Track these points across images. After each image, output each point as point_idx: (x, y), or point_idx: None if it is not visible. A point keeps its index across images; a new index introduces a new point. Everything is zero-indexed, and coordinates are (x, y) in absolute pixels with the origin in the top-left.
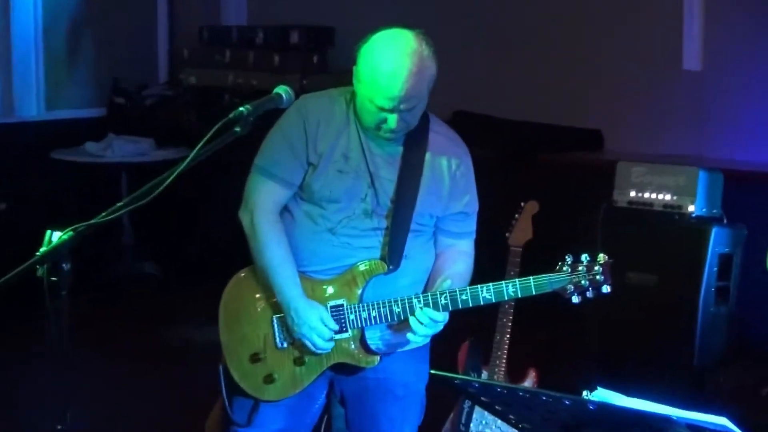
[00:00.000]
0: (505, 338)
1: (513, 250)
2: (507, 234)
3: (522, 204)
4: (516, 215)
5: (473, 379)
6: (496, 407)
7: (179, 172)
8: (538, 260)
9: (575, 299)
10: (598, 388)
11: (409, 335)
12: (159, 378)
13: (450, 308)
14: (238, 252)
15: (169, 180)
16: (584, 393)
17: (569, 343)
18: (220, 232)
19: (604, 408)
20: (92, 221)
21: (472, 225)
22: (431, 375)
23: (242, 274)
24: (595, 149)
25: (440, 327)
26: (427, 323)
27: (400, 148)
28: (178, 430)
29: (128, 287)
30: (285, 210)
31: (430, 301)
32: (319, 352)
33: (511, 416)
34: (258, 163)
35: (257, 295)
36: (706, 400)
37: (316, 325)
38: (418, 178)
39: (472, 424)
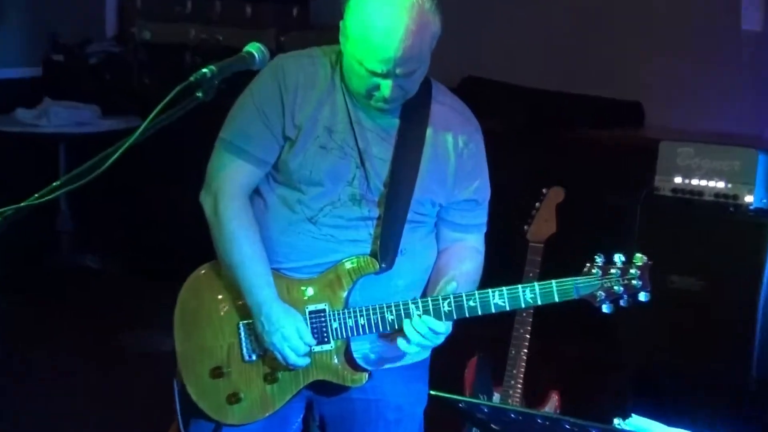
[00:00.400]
0: (522, 353)
1: (532, 246)
2: (525, 227)
3: (544, 191)
4: (537, 204)
5: (483, 402)
6: None
7: (129, 146)
8: (562, 260)
9: (606, 308)
10: (633, 415)
11: (402, 344)
12: (97, 397)
13: (455, 317)
14: (198, 244)
15: (116, 155)
16: (616, 422)
17: (599, 360)
18: (177, 220)
19: None
20: (23, 204)
21: (482, 216)
22: (431, 396)
23: (202, 272)
24: (633, 125)
25: (441, 339)
26: (425, 333)
27: (396, 121)
28: None
29: (64, 283)
30: (256, 194)
31: (431, 307)
32: (291, 368)
33: None
34: (224, 136)
35: (220, 296)
36: (765, 427)
37: (290, 335)
38: (418, 158)
39: None
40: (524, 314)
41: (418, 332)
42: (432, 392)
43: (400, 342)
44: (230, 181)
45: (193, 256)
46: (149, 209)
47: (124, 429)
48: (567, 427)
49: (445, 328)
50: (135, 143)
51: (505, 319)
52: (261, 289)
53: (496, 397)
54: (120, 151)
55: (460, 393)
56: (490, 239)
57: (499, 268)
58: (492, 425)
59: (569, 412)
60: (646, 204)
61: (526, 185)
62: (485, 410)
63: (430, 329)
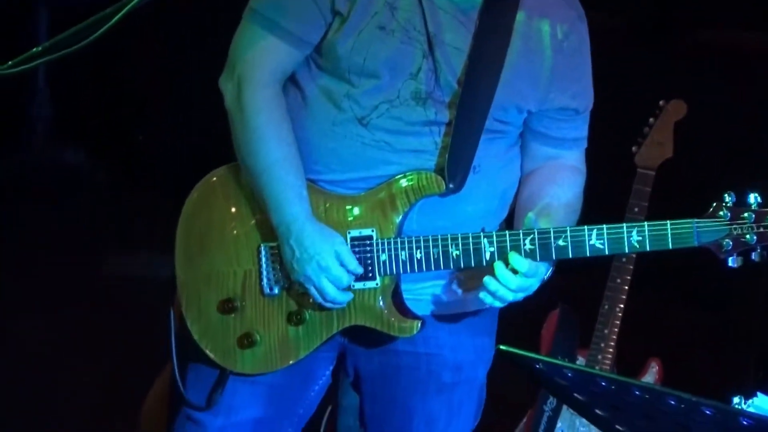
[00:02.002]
0: (617, 310)
1: (642, 173)
2: (634, 149)
3: (661, 104)
4: (650, 120)
5: (566, 365)
6: (597, 411)
7: (130, 9)
8: (678, 194)
9: (733, 261)
10: (759, 394)
11: (482, 294)
12: (81, 332)
13: (538, 258)
14: (215, 144)
15: (114, 20)
16: (736, 400)
17: (718, 327)
18: (189, 113)
19: (766, 425)
20: None
21: (582, 128)
22: (499, 353)
23: (214, 178)
24: None
25: (534, 287)
26: (516, 278)
27: (479, 1)
28: (111, 406)
29: (38, 183)
30: (291, 83)
31: (508, 244)
32: (329, 306)
33: (618, 426)
34: (254, 5)
35: (237, 210)
36: None
37: (330, 265)
38: (504, 50)
39: None
40: (624, 260)
41: (505, 287)
42: (502, 347)
43: (483, 295)
44: (259, 63)
45: (204, 161)
46: (152, 96)
47: (112, 372)
48: (672, 403)
49: (543, 271)
50: (139, 7)
51: (600, 263)
52: (292, 205)
53: (580, 361)
54: (119, 15)
55: (536, 353)
56: (586, 161)
57: (597, 199)
58: (575, 394)
59: (672, 386)
60: None
61: (640, 96)
62: (569, 375)
63: (521, 272)
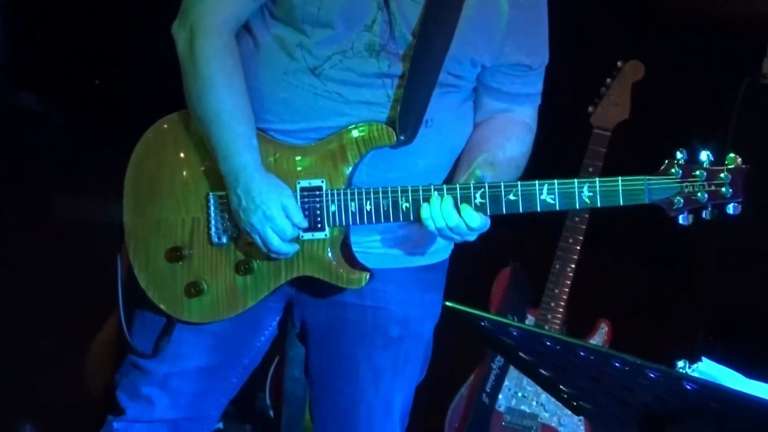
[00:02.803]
0: (569, 270)
1: (596, 133)
2: (590, 109)
3: (619, 64)
4: (608, 80)
5: (515, 324)
6: (542, 371)
7: None
8: (632, 154)
9: (683, 219)
10: (704, 359)
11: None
12: (36, 275)
13: (488, 212)
14: (170, 91)
15: None
16: (680, 364)
17: (669, 290)
18: (146, 58)
19: (708, 390)
20: None
21: (536, 83)
22: (445, 309)
23: (165, 125)
24: None
25: (474, 237)
26: (455, 225)
27: None
28: (59, 350)
29: None
30: (245, 31)
31: (459, 196)
32: (273, 257)
33: (563, 387)
34: None
35: (186, 157)
36: None
37: (275, 215)
38: (460, 2)
39: (501, 395)
40: (577, 219)
41: (444, 220)
42: (448, 303)
43: (427, 223)
44: (212, 10)
45: (159, 108)
46: (110, 41)
47: (60, 317)
48: (617, 365)
49: (480, 222)
50: None
51: (552, 222)
52: (240, 154)
53: (530, 320)
54: None
55: (485, 311)
56: (542, 121)
57: (551, 158)
58: (521, 353)
59: (620, 347)
60: (748, 94)
61: (595, 56)
62: (515, 333)
63: (464, 220)
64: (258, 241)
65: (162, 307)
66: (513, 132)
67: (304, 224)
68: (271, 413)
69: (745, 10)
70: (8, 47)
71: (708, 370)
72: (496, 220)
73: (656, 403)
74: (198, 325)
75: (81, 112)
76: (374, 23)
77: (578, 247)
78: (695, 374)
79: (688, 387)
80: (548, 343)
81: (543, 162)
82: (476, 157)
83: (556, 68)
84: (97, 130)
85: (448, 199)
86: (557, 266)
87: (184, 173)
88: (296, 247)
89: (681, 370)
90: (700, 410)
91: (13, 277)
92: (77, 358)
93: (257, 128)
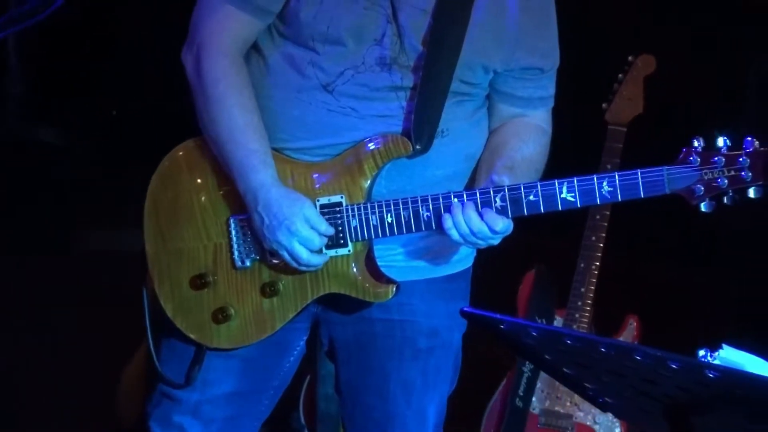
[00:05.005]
0: (593, 268)
1: (612, 129)
2: (604, 105)
3: (630, 59)
4: (620, 76)
5: (531, 324)
6: (565, 369)
7: None
8: (649, 148)
9: (706, 206)
10: (724, 346)
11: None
12: (63, 308)
13: (509, 214)
14: (187, 119)
15: None
16: (701, 353)
17: (693, 278)
18: (161, 85)
19: (731, 377)
20: None
21: (549, 86)
22: (462, 315)
23: (180, 152)
24: None
25: (497, 240)
26: (478, 230)
27: None
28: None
29: (10, 161)
30: (254, 51)
31: (478, 201)
32: (303, 269)
33: (588, 385)
34: None
35: (204, 183)
36: None
37: (299, 228)
38: (468, 9)
39: (534, 398)
40: (598, 217)
41: (467, 226)
42: (465, 309)
43: (452, 234)
44: (218, 33)
45: (176, 136)
46: (126, 70)
47: (90, 350)
48: (638, 358)
49: (503, 225)
50: None
51: (575, 223)
52: (256, 171)
53: (558, 321)
54: None
55: (512, 315)
56: (557, 121)
57: (569, 157)
58: (544, 355)
59: (651, 342)
60: (761, 76)
61: (608, 52)
62: (534, 334)
63: (487, 224)
64: (286, 256)
65: (190, 335)
66: (529, 135)
67: (331, 231)
68: None
69: None
70: (24, 83)
71: (730, 356)
72: (519, 222)
73: (680, 393)
74: (227, 350)
75: (101, 144)
76: (384, 37)
77: (601, 245)
78: (717, 362)
79: (711, 375)
80: (568, 342)
81: (561, 162)
82: (495, 163)
83: (567, 68)
84: (117, 160)
85: (470, 205)
86: (582, 265)
87: (203, 199)
88: (326, 257)
89: (702, 359)
90: (725, 398)
91: (40, 310)
92: (108, 390)
93: (272, 148)
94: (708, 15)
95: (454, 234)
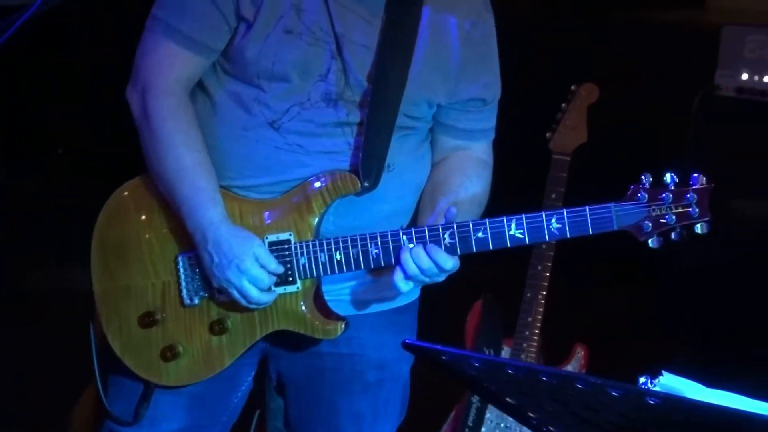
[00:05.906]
0: (540, 298)
1: (556, 159)
2: (548, 135)
3: (573, 88)
4: (563, 105)
5: (471, 354)
6: (508, 399)
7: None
8: (593, 178)
9: (654, 242)
10: (664, 373)
11: (398, 278)
12: (12, 345)
13: (458, 252)
14: (132, 156)
15: (22, 18)
16: (642, 380)
17: (641, 305)
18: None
19: (670, 402)
20: None
21: (490, 118)
22: (404, 347)
23: (125, 192)
24: (690, 4)
25: (443, 277)
26: (427, 268)
27: None
28: (40, 419)
29: None
30: (199, 89)
31: (427, 239)
32: (253, 308)
33: (532, 414)
34: (156, 13)
35: (151, 221)
36: None
37: (249, 267)
38: (411, 45)
39: (483, 428)
40: (543, 246)
41: (417, 266)
42: (407, 341)
43: (397, 276)
44: (162, 71)
45: (123, 173)
46: (73, 107)
47: (37, 387)
48: (580, 386)
49: (452, 264)
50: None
51: (521, 252)
52: (205, 208)
53: (506, 351)
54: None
55: (460, 346)
56: (500, 151)
57: (512, 187)
58: (487, 385)
59: (598, 371)
60: (703, 107)
61: (550, 82)
62: (476, 364)
63: (434, 263)
64: (236, 295)
65: (140, 374)
66: (472, 170)
67: (280, 269)
68: None
69: (692, 24)
70: None
71: (669, 383)
72: (465, 257)
73: (622, 420)
74: (176, 388)
75: (48, 181)
76: (329, 72)
77: (548, 274)
78: (657, 389)
79: (651, 402)
80: (510, 372)
81: (506, 192)
82: (438, 200)
83: (511, 97)
84: (64, 198)
85: (418, 246)
86: (528, 295)
87: (150, 236)
88: (275, 294)
89: (643, 386)
90: (666, 423)
91: None
92: (57, 427)
93: (220, 186)
94: (651, 45)
95: (402, 277)
